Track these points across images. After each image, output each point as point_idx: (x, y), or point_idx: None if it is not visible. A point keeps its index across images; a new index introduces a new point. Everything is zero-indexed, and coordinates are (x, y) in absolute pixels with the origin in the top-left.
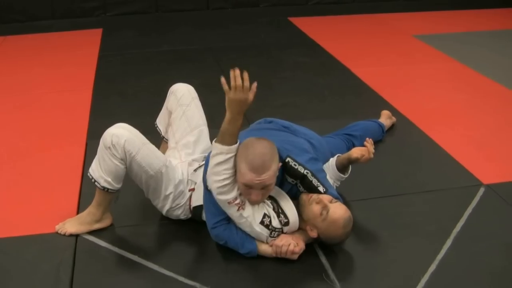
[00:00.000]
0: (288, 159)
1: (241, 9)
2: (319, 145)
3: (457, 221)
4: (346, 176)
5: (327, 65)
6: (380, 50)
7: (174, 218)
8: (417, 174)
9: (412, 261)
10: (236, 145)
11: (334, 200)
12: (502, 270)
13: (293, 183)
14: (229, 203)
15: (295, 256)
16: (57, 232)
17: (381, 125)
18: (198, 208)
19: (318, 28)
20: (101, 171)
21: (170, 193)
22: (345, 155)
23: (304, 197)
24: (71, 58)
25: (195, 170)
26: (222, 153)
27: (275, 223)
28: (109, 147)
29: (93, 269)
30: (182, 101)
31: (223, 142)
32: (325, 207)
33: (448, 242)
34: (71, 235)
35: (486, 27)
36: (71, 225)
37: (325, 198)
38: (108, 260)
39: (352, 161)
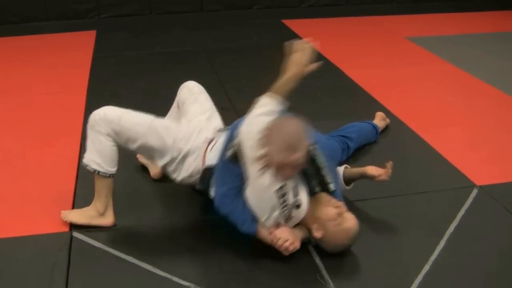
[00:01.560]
0: (315, 146)
1: (235, 11)
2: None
3: (450, 222)
4: (349, 188)
5: (320, 66)
6: (373, 52)
7: (185, 175)
8: (410, 175)
9: (406, 262)
10: (283, 104)
11: (349, 212)
12: (495, 271)
13: (308, 171)
14: (255, 160)
15: (287, 253)
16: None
17: (375, 127)
18: (208, 172)
19: (311, 30)
20: (91, 153)
21: (174, 139)
22: (358, 169)
23: (324, 197)
24: (65, 60)
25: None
26: (271, 104)
27: (291, 199)
28: (93, 125)
29: (88, 270)
30: (194, 91)
31: (275, 94)
32: (341, 214)
33: (442, 243)
34: (70, 227)
35: (479, 29)
36: (73, 215)
37: (343, 206)
38: (103, 260)
39: (365, 177)
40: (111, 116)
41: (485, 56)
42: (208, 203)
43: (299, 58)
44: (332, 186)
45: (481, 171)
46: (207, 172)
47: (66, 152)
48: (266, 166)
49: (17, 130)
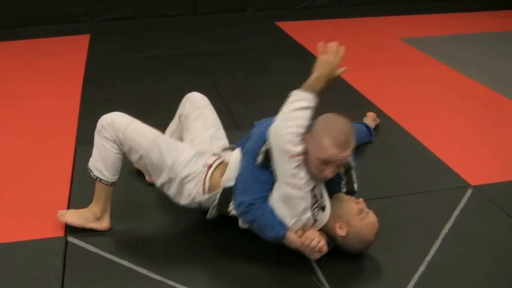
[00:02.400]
0: None
1: (228, 14)
2: None
3: (445, 223)
4: None
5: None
6: (367, 53)
7: (187, 201)
8: (404, 176)
9: (401, 263)
10: (317, 100)
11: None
12: (490, 271)
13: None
14: (291, 156)
15: (318, 256)
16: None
17: (368, 127)
18: (228, 192)
19: (305, 32)
20: (95, 159)
21: (175, 159)
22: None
23: (343, 195)
24: (59, 64)
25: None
26: (305, 99)
27: (319, 201)
28: (100, 130)
29: (84, 275)
30: (198, 104)
31: (307, 90)
32: (364, 209)
33: (437, 243)
34: (65, 232)
35: (472, 29)
36: (70, 215)
37: (363, 202)
38: (99, 265)
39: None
40: (118, 124)
41: (478, 56)
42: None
43: (331, 60)
44: (356, 186)
45: (475, 171)
46: (227, 193)
47: (61, 157)
48: (303, 164)
49: (11, 135)
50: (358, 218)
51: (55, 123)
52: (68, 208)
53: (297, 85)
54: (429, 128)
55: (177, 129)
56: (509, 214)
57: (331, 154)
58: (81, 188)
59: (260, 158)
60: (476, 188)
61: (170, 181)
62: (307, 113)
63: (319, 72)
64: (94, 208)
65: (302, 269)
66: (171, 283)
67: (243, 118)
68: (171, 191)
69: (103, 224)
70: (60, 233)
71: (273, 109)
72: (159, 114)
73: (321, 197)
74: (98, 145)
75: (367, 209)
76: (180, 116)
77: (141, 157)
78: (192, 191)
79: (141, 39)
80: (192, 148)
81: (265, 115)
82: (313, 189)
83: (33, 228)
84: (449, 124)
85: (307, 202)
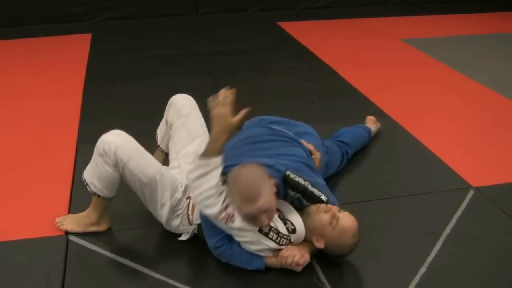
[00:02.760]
0: (288, 172)
1: (230, 14)
2: (314, 143)
3: (447, 224)
4: None
5: (315, 69)
6: (369, 54)
7: (174, 231)
8: (406, 177)
9: (402, 264)
10: (216, 159)
11: (342, 210)
12: (491, 272)
13: (295, 196)
14: (215, 218)
15: (299, 268)
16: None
17: (367, 130)
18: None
19: (306, 32)
20: (93, 177)
21: (167, 201)
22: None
23: (312, 206)
24: (60, 63)
25: None
26: (200, 166)
27: (283, 229)
28: (102, 154)
29: (84, 274)
30: (182, 112)
31: (203, 155)
32: (334, 216)
33: (438, 245)
34: (66, 232)
35: (474, 31)
36: (68, 222)
37: (334, 207)
38: (99, 264)
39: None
40: (121, 154)
41: (480, 58)
42: None
43: (221, 112)
44: (324, 198)
45: (477, 172)
46: (200, 229)
47: (62, 155)
48: (233, 214)
49: (12, 133)
50: (329, 228)
51: (56, 122)
52: (70, 206)
53: (297, 86)
54: (430, 129)
55: (166, 133)
56: (510, 216)
57: (246, 211)
58: (82, 187)
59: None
60: (477, 189)
61: (160, 216)
62: (208, 177)
63: (214, 131)
64: (90, 216)
65: (303, 269)
66: (172, 282)
67: (244, 118)
68: (159, 218)
69: (102, 226)
70: (61, 232)
71: (274, 109)
72: (160, 115)
73: (285, 222)
74: (98, 165)
75: (338, 214)
76: (166, 121)
77: (135, 187)
78: (178, 226)
79: (143, 39)
80: (181, 176)
81: (265, 115)
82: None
83: (34, 227)
84: (451, 125)
85: (263, 241)
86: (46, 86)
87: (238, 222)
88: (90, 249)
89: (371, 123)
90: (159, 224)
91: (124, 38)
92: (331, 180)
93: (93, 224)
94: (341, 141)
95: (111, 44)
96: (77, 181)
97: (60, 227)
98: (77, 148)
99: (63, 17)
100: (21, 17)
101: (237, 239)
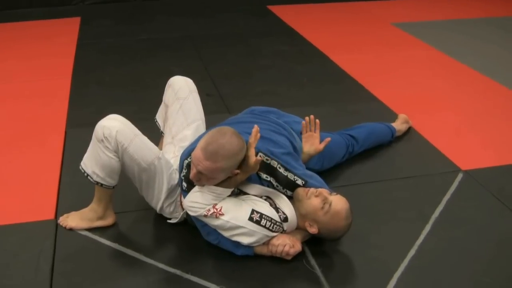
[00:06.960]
0: (260, 154)
1: None
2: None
3: (436, 207)
4: None
5: (306, 53)
6: (359, 38)
7: (168, 216)
8: (396, 160)
9: (392, 247)
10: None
11: (333, 192)
12: (480, 255)
13: (267, 179)
14: (205, 216)
15: (289, 257)
16: (60, 224)
17: (390, 128)
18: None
19: (297, 16)
20: (94, 166)
21: (163, 186)
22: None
23: (301, 191)
24: (49, 47)
25: None
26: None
27: (275, 216)
28: (102, 140)
29: (74, 258)
30: (180, 95)
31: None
32: (325, 200)
33: (427, 228)
34: (71, 229)
35: (464, 15)
36: (72, 219)
37: (324, 191)
38: (88, 248)
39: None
40: (121, 139)
41: (471, 42)
42: None
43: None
44: (300, 182)
45: (467, 156)
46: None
47: (51, 139)
48: (217, 213)
49: (1, 118)
50: (322, 212)
51: (45, 106)
52: (59, 190)
53: (287, 69)
54: (421, 113)
55: (165, 116)
56: (499, 198)
57: (195, 155)
58: (71, 171)
59: (184, 185)
60: (467, 172)
61: (155, 202)
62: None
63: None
64: (96, 209)
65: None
66: (161, 266)
67: (234, 102)
68: (153, 204)
69: (108, 220)
70: (51, 216)
71: (264, 93)
72: (150, 98)
73: (277, 210)
74: (99, 153)
75: (329, 198)
76: (164, 102)
77: (133, 172)
78: (172, 213)
79: (132, 23)
80: (175, 164)
81: (256, 99)
82: (252, 212)
83: (23, 211)
84: (441, 109)
85: (255, 228)
86: (35, 69)
87: (229, 212)
88: (79, 233)
89: (401, 122)
90: (150, 208)
91: (114, 21)
92: None
93: (98, 218)
94: (351, 135)
95: (101, 27)
96: (66, 165)
97: (63, 225)
98: (66, 132)
99: (52, 0)
100: (10, 1)
101: (229, 233)
